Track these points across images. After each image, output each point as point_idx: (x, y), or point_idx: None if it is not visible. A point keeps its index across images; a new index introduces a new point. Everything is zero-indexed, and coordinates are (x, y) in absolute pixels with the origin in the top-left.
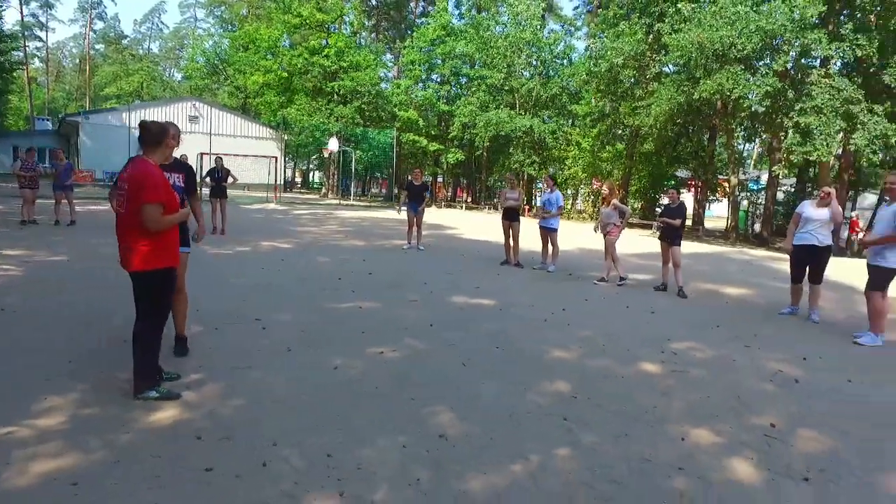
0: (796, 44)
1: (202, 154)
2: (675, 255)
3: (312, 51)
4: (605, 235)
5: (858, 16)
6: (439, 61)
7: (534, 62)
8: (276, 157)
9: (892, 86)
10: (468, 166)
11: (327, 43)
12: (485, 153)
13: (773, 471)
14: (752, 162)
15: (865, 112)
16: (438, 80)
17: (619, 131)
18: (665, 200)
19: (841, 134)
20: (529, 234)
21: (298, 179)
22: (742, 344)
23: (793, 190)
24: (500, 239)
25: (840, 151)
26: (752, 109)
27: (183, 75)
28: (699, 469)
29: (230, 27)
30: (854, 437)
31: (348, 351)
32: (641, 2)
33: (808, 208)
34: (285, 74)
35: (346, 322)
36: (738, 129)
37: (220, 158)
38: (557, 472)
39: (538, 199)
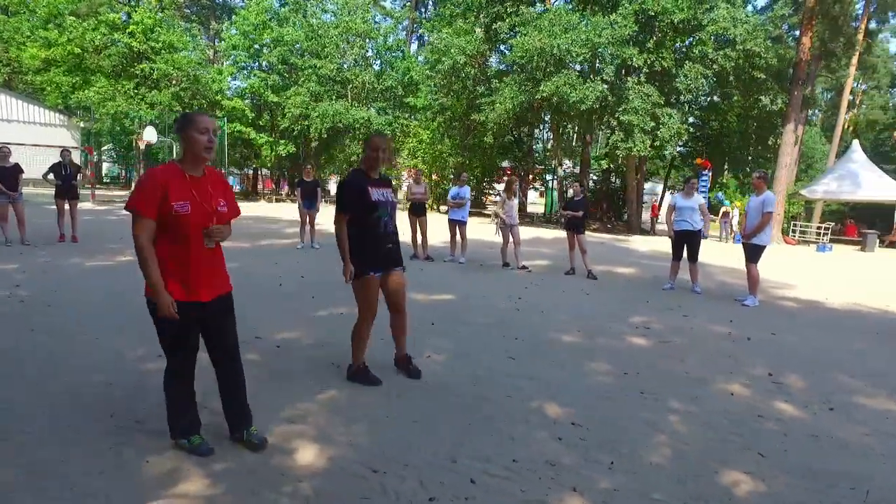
0: (616, 55)
1: None
2: (581, 242)
3: (113, 26)
4: (510, 227)
5: (659, 35)
6: (265, 49)
7: (367, 53)
8: (90, 149)
9: (682, 92)
10: (295, 159)
11: (128, 18)
12: (313, 146)
13: (805, 405)
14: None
15: (665, 114)
16: (266, 67)
17: (458, 124)
18: (570, 192)
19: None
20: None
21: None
22: (679, 314)
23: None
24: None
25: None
26: (584, 108)
27: None
28: (761, 410)
29: None
30: (830, 372)
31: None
32: (479, 1)
33: (680, 199)
34: (77, 50)
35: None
36: (570, 126)
37: (68, 151)
38: (683, 425)
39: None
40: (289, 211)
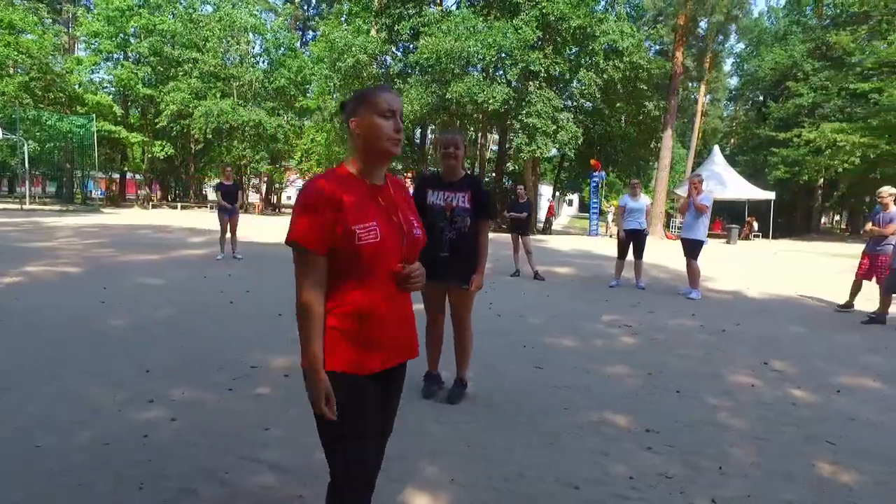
0: (521, 60)
1: None
2: (527, 244)
3: None
4: None
5: (559, 41)
6: (134, 38)
7: (255, 49)
8: None
9: (577, 98)
10: (171, 161)
11: None
12: (196, 147)
13: (814, 390)
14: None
15: (564, 118)
16: (135, 58)
17: None
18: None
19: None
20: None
21: None
22: (644, 311)
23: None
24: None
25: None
26: (491, 110)
27: None
28: (787, 398)
29: None
30: (808, 358)
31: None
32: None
33: (630, 201)
34: None
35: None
36: (471, 129)
37: None
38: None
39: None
40: (173, 217)
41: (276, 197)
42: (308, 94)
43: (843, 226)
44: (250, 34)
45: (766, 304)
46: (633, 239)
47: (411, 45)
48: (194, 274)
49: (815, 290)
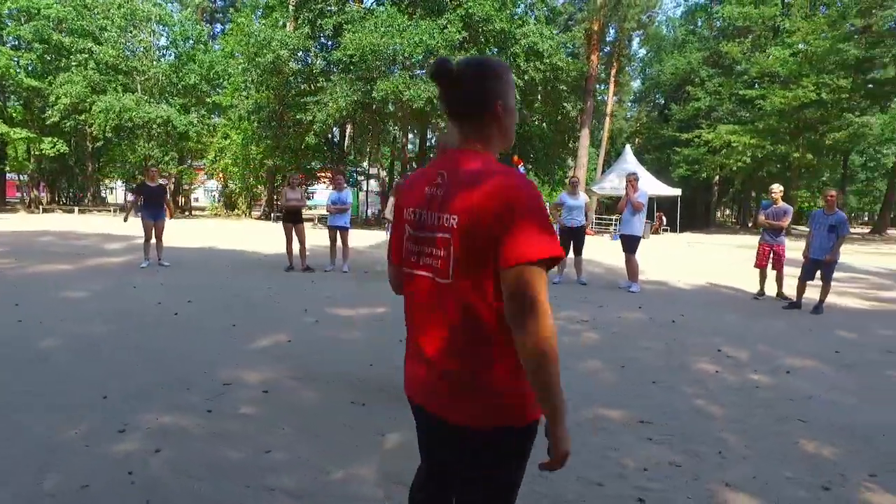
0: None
1: None
2: None
3: None
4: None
5: (482, 42)
6: (11, 21)
7: (161, 42)
8: None
9: None
10: (63, 160)
11: None
12: (94, 145)
13: (769, 373)
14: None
15: None
16: (12, 42)
17: (275, 123)
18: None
19: None
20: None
21: None
22: (594, 306)
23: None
24: (229, 244)
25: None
26: (416, 107)
27: None
28: (750, 382)
29: None
30: (752, 343)
31: None
32: None
33: (569, 198)
34: None
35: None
36: (395, 127)
37: None
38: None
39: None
40: (73, 222)
41: (183, 199)
42: (218, 90)
43: (734, 219)
44: (154, 24)
45: (698, 294)
46: (573, 236)
47: (333, 43)
48: (120, 284)
49: (731, 280)
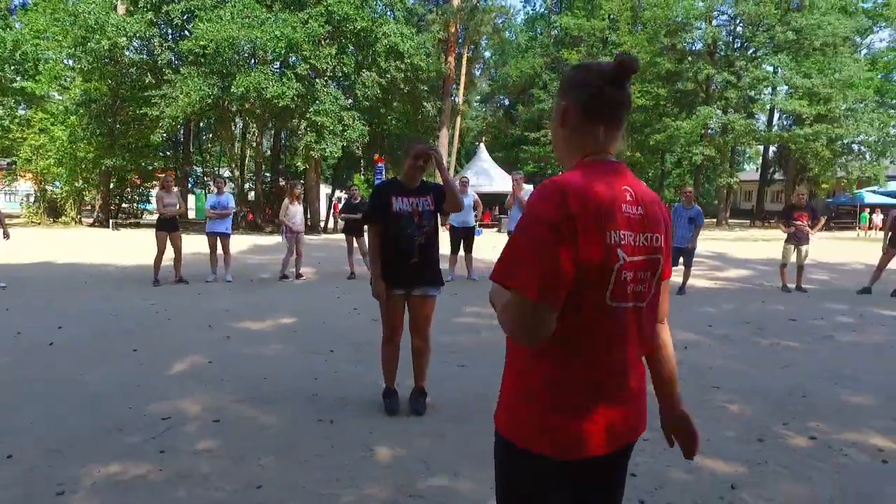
0: (311, 56)
1: None
2: (362, 246)
3: None
4: (297, 235)
5: (343, 41)
6: None
7: None
8: None
9: (361, 99)
10: None
11: None
12: None
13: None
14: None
15: (350, 117)
16: None
17: (111, 119)
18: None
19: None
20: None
21: None
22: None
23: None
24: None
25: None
26: (281, 105)
27: None
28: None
29: None
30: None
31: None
32: None
33: (463, 198)
34: None
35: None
36: (254, 125)
37: None
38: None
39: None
40: None
41: None
42: (26, 77)
43: None
44: None
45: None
46: (463, 235)
47: (180, 33)
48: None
49: None
